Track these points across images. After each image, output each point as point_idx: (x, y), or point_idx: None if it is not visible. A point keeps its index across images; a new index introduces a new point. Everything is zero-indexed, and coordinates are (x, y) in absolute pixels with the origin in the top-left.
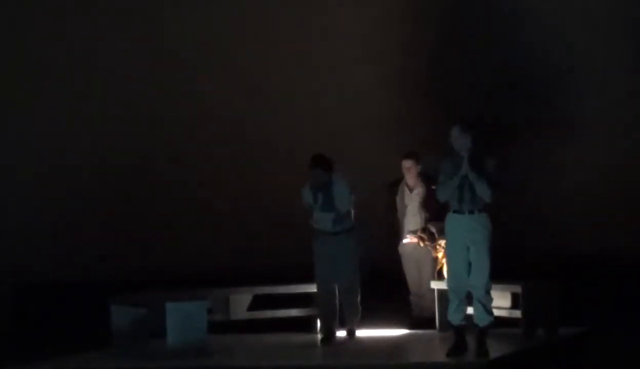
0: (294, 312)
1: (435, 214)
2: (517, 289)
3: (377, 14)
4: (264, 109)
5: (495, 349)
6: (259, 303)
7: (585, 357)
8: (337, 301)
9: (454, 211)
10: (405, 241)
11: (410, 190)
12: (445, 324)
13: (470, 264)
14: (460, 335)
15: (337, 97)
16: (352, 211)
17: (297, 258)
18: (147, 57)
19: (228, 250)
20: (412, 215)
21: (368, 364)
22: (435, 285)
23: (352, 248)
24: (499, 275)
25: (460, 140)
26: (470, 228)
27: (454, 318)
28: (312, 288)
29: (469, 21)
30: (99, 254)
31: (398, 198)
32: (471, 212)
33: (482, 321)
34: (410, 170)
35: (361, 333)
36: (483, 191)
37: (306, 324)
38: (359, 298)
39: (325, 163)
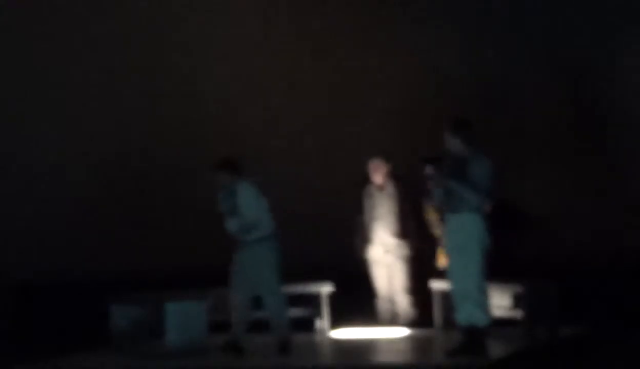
0: (294, 312)
1: (410, 215)
2: (518, 289)
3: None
4: (263, 110)
5: (495, 349)
6: (259, 303)
7: (585, 357)
8: (249, 312)
9: (447, 212)
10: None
11: (380, 191)
12: (446, 324)
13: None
14: (465, 336)
15: (329, 96)
16: (266, 218)
17: (298, 258)
18: (144, 58)
19: (228, 250)
20: (384, 217)
21: (368, 364)
22: (435, 285)
23: (268, 256)
24: (499, 274)
25: (446, 142)
26: (457, 228)
27: (457, 319)
28: (312, 288)
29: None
30: (99, 254)
31: (366, 200)
32: (458, 213)
33: (480, 321)
34: (377, 169)
35: (362, 333)
36: (466, 194)
37: (306, 324)
38: (284, 309)
39: (228, 166)
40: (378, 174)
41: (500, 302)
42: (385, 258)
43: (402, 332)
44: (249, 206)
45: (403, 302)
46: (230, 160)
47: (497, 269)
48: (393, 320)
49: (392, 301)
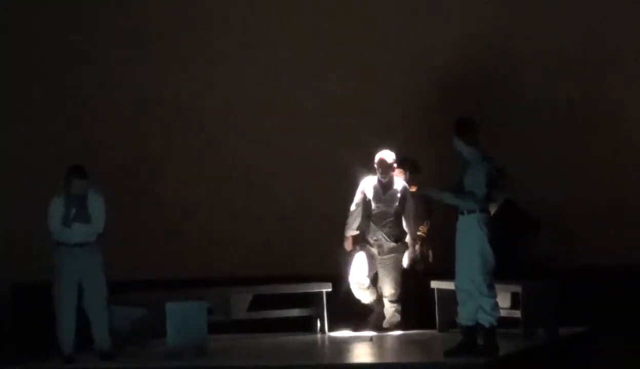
0: (294, 312)
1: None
2: (517, 289)
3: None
4: (262, 110)
5: None
6: (259, 303)
7: (585, 357)
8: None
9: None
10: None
11: (383, 188)
12: (445, 325)
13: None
14: (466, 336)
15: (333, 101)
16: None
17: (298, 257)
18: (146, 60)
19: (228, 251)
20: (384, 217)
21: (368, 364)
22: (436, 284)
23: (101, 259)
24: (499, 274)
25: (453, 141)
26: (461, 229)
27: (459, 318)
28: (312, 288)
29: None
30: None
31: (366, 195)
32: (461, 213)
33: (483, 321)
34: (383, 164)
35: (361, 333)
36: (449, 201)
37: (306, 324)
38: (107, 315)
39: (85, 174)
40: (384, 169)
41: (500, 302)
42: (377, 260)
43: (402, 332)
44: (102, 211)
45: (389, 309)
46: (84, 168)
47: (503, 270)
48: (379, 325)
49: (380, 304)
